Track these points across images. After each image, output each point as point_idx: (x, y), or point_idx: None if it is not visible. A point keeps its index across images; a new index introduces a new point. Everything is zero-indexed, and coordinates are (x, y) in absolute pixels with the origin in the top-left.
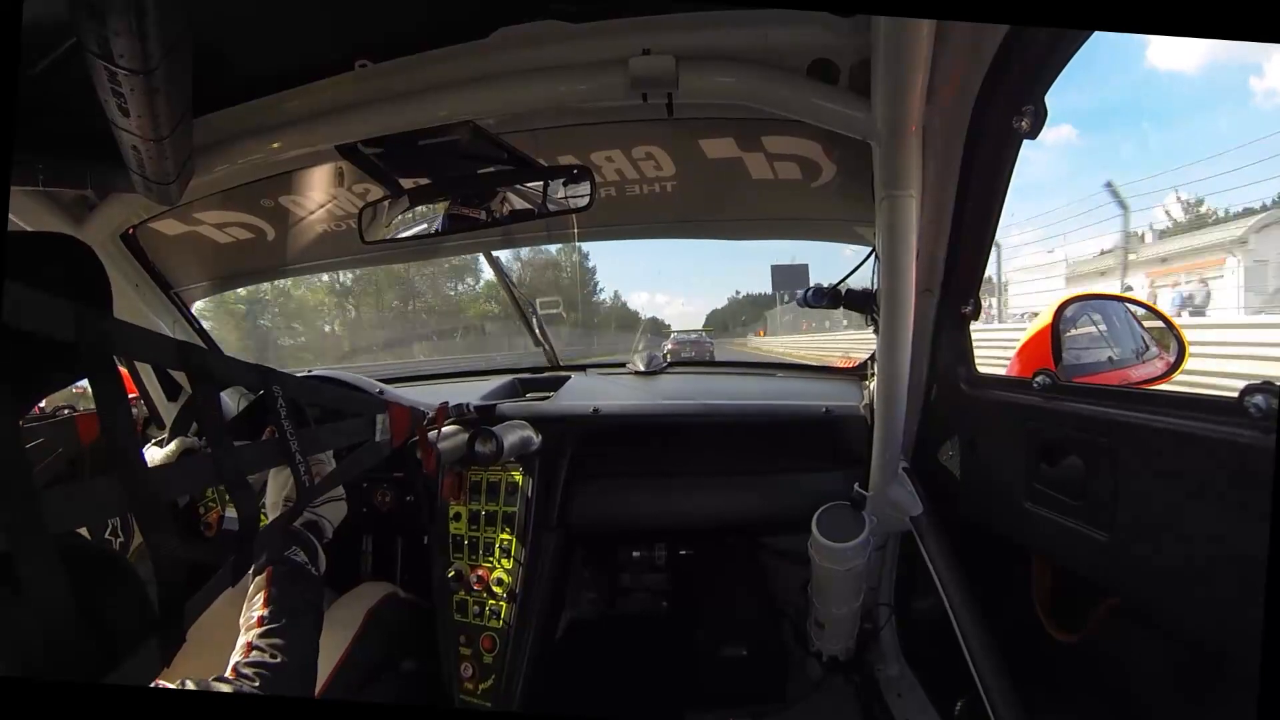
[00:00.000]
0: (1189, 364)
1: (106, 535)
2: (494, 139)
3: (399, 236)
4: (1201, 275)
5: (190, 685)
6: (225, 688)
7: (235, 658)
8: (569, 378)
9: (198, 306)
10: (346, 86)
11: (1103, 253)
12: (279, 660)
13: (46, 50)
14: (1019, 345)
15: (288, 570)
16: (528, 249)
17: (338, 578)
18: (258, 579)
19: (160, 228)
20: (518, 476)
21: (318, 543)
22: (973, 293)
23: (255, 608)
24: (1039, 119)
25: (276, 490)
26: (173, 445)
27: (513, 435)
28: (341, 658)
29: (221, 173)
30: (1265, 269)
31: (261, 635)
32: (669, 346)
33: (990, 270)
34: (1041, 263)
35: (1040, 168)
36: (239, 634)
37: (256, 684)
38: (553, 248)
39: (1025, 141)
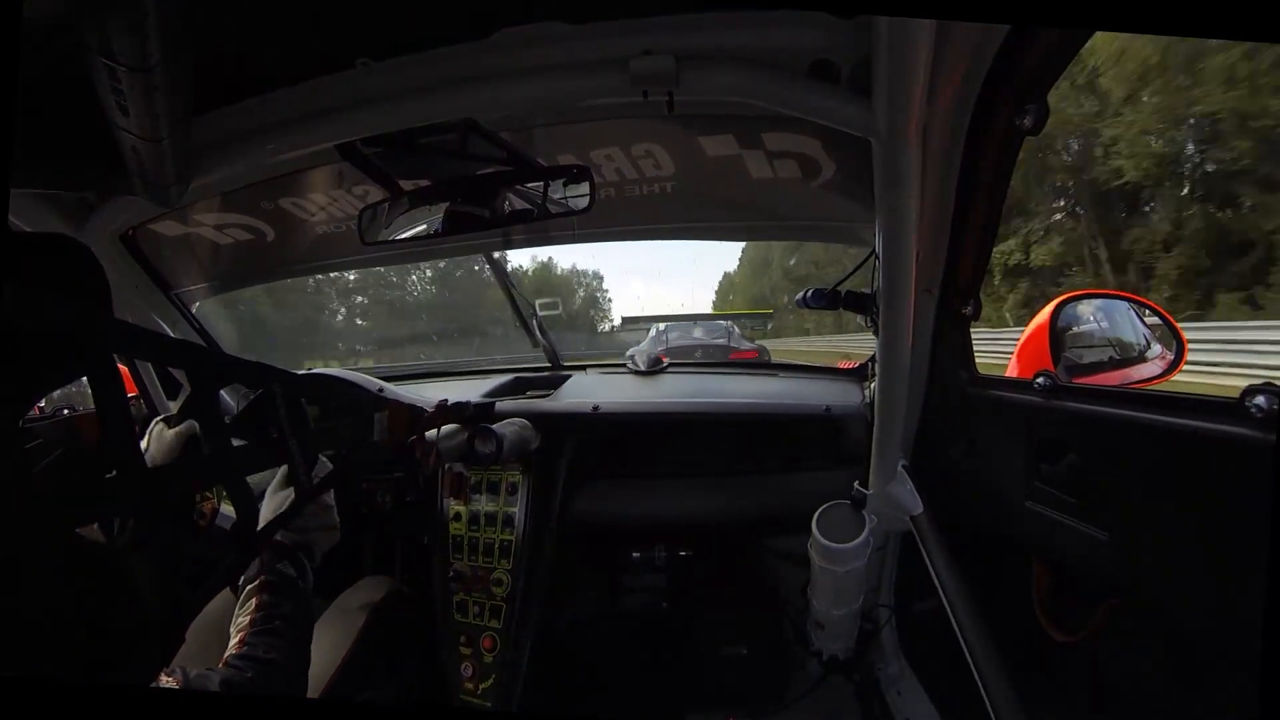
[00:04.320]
0: None
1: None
2: (494, 137)
3: (399, 237)
4: None
5: (179, 674)
6: (216, 677)
7: (229, 652)
8: (569, 376)
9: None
10: (347, 85)
11: None
12: (270, 656)
13: (46, 50)
14: (1017, 345)
15: (279, 581)
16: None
17: (338, 578)
18: (249, 587)
19: (160, 229)
20: (517, 476)
21: (307, 563)
22: (973, 293)
23: (248, 612)
24: (1041, 116)
25: (270, 510)
26: (183, 427)
27: (513, 435)
28: (346, 655)
29: (221, 174)
30: None
31: (255, 634)
32: (637, 352)
33: None
34: None
35: None
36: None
37: (249, 674)
38: None
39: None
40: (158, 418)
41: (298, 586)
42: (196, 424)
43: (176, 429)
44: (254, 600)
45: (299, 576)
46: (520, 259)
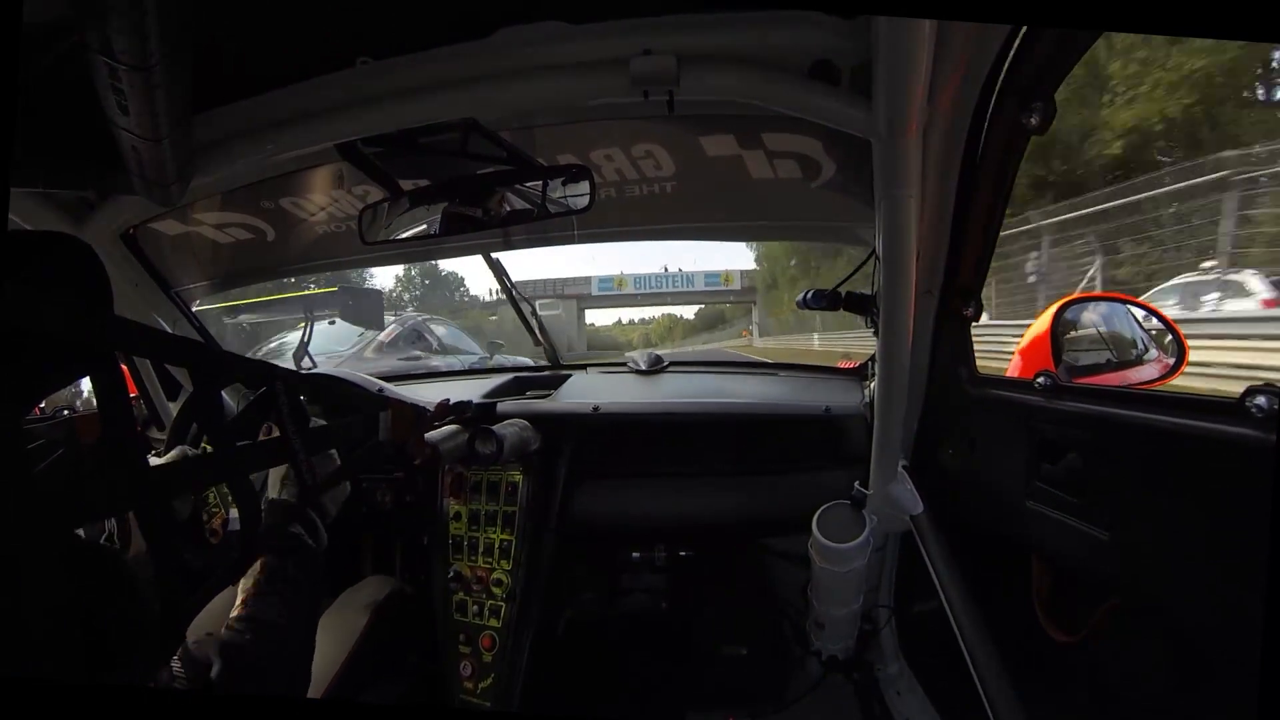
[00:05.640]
0: None
1: (103, 540)
2: (494, 137)
3: (398, 237)
4: None
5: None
6: (215, 642)
7: (231, 615)
8: (569, 376)
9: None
10: (347, 84)
11: None
12: (270, 618)
13: (46, 50)
14: (1018, 347)
15: (284, 542)
16: None
17: (338, 577)
18: None
19: (160, 228)
20: (517, 476)
21: (318, 520)
22: (974, 293)
23: (252, 574)
24: (1048, 115)
25: (277, 473)
26: (171, 455)
27: (513, 435)
28: (350, 653)
29: (222, 172)
30: None
31: (256, 596)
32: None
33: None
34: None
35: None
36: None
37: (247, 636)
38: None
39: None
40: (147, 454)
41: (304, 546)
42: (187, 450)
43: (165, 458)
44: (258, 563)
45: (308, 534)
46: None
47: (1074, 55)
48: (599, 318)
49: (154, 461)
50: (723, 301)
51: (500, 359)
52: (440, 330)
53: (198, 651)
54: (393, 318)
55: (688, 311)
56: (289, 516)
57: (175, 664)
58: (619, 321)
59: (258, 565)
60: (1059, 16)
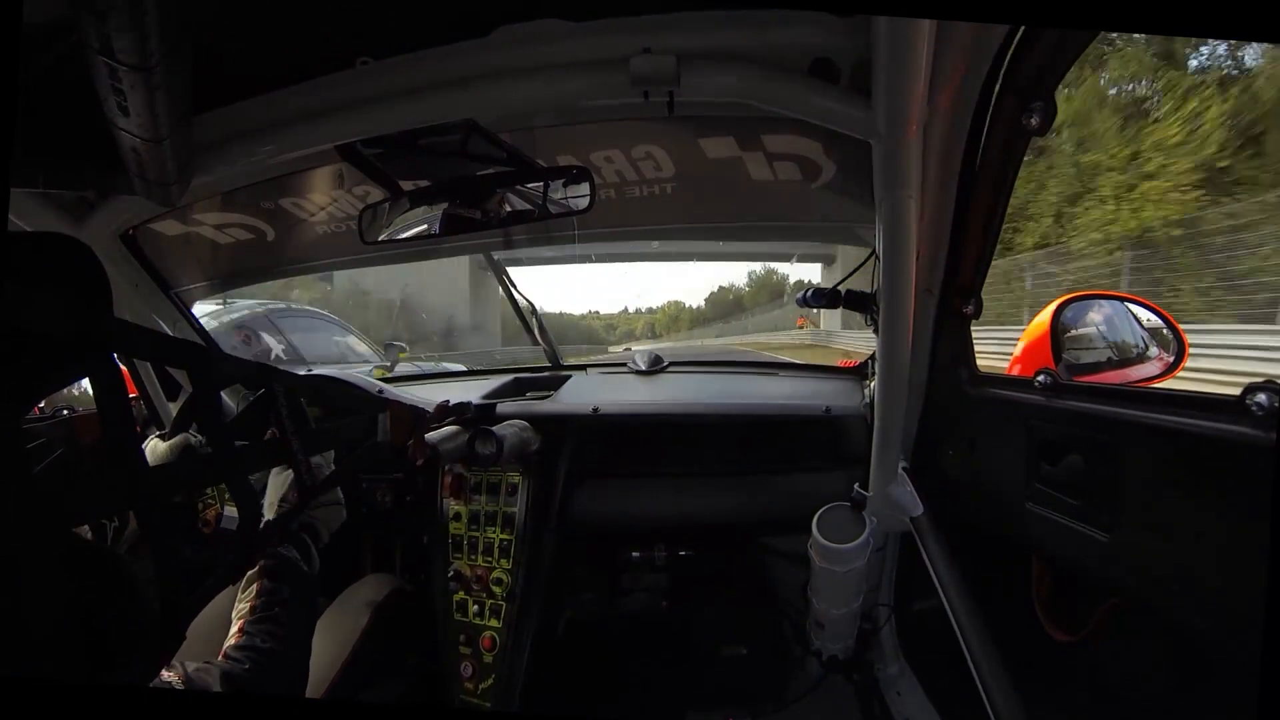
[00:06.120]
0: None
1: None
2: (494, 138)
3: (398, 237)
4: None
5: (180, 669)
6: (215, 671)
7: (228, 642)
8: (569, 377)
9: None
10: (347, 84)
11: None
12: (269, 646)
13: (46, 50)
14: (1018, 346)
15: (279, 565)
16: None
17: (338, 577)
18: (250, 572)
19: (160, 228)
20: (517, 477)
21: (312, 544)
22: (974, 292)
23: (248, 599)
24: (1048, 115)
25: (275, 491)
26: (176, 440)
27: (513, 436)
28: (351, 652)
29: (222, 173)
30: None
31: (253, 622)
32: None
33: None
34: None
35: None
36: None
37: (246, 666)
38: None
39: None
40: (152, 434)
41: (299, 570)
42: (190, 436)
43: (170, 443)
44: (254, 586)
45: (302, 558)
46: None
47: (1070, 56)
48: (600, 307)
49: (159, 445)
50: (773, 256)
51: (404, 368)
52: (296, 328)
53: (199, 679)
54: (214, 307)
55: (697, 295)
56: (281, 538)
57: (178, 684)
58: (625, 310)
59: (254, 588)
60: (1059, 16)
